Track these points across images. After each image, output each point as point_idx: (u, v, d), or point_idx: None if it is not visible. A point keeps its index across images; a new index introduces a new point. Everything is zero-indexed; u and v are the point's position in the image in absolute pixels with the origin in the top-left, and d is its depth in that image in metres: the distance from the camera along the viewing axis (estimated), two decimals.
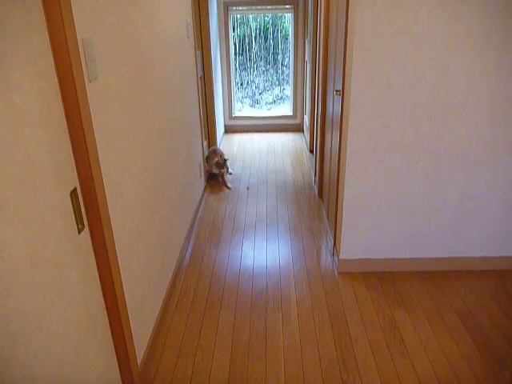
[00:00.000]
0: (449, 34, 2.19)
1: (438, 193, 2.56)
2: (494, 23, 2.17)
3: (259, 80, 6.95)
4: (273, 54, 6.69)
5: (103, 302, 1.59)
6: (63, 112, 1.29)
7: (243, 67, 6.81)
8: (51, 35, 1.21)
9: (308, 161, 4.92)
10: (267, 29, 6.52)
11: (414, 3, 2.13)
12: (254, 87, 7.01)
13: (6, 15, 1.02)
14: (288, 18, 6.27)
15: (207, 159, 4.29)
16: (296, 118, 6.20)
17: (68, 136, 1.32)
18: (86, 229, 1.45)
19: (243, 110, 6.90)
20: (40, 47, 1.17)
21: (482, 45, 2.21)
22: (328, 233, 3.23)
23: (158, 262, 2.32)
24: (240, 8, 5.66)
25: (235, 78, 6.33)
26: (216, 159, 4.23)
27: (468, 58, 2.24)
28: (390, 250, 2.71)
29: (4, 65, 1.01)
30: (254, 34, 6.55)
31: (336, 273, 2.76)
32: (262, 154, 5.22)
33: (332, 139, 3.07)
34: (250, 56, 6.73)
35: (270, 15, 6.36)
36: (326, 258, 2.95)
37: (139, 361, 1.94)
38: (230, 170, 4.43)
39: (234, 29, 6.15)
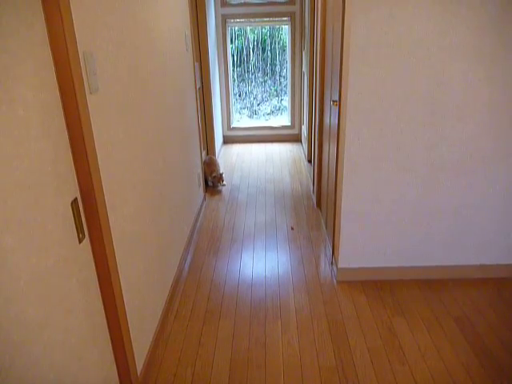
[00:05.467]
0: (443, 46, 2.24)
1: (434, 201, 2.58)
2: (487, 35, 2.21)
3: (257, 91, 7.01)
4: (270, 65, 6.76)
5: (103, 310, 1.60)
6: (64, 123, 1.32)
7: (241, 78, 6.87)
8: (53, 49, 1.24)
9: (306, 170, 4.95)
10: (265, 40, 6.60)
11: (409, 16, 2.18)
12: (252, 98, 7.06)
13: (10, 31, 1.05)
14: (285, 29, 6.34)
15: (204, 166, 4.47)
16: (294, 128, 6.24)
17: (69, 147, 1.34)
18: (87, 238, 1.46)
19: (241, 120, 6.95)
20: (42, 60, 1.19)
21: (476, 56, 2.25)
22: (326, 242, 3.25)
23: (158, 271, 2.33)
24: (238, 20, 5.74)
25: (233, 89, 6.39)
26: (214, 174, 4.47)
27: (462, 69, 2.28)
28: (388, 258, 2.73)
29: (7, 78, 1.04)
30: (251, 46, 6.62)
31: (335, 281, 2.77)
32: (261, 164, 5.26)
33: (330, 149, 3.10)
34: (248, 67, 6.80)
35: (267, 27, 6.44)
36: (324, 266, 2.96)
37: (139, 370, 1.94)
38: (224, 182, 4.65)
39: (231, 40, 6.22)
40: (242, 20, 5.75)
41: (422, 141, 2.44)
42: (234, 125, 6.35)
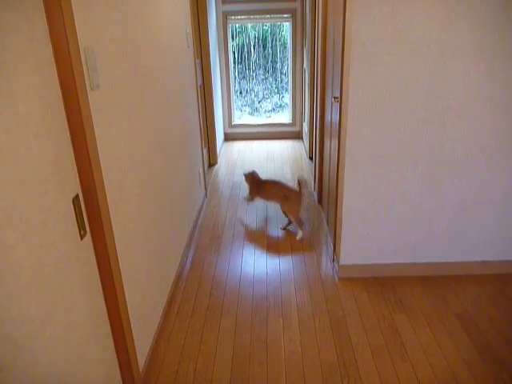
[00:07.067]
0: (444, 42, 2.23)
1: (436, 198, 2.57)
2: (488, 32, 2.20)
3: (258, 88, 7.00)
4: (271, 62, 6.75)
5: (105, 307, 1.60)
6: (66, 120, 1.31)
7: (242, 75, 6.86)
8: (54, 45, 1.24)
9: (307, 168, 4.95)
10: (266, 37, 6.59)
11: (410, 12, 2.17)
12: (253, 95, 7.05)
13: (11, 27, 1.05)
14: (286, 26, 6.33)
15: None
16: (295, 125, 6.23)
17: (70, 143, 1.34)
18: (88, 235, 1.46)
19: (243, 118, 6.94)
20: (43, 57, 1.19)
21: (477, 52, 2.25)
22: (328, 238, 3.25)
23: (159, 268, 2.33)
24: (239, 17, 5.72)
25: (234, 87, 6.38)
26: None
27: (463, 65, 2.27)
28: (390, 255, 2.73)
29: (8, 74, 1.04)
30: (252, 43, 6.61)
31: (336, 278, 2.77)
32: (262, 161, 5.25)
33: (331, 146, 3.09)
34: (249, 64, 6.79)
35: (268, 24, 6.43)
36: (326, 263, 2.96)
37: (141, 367, 1.94)
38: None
39: (232, 38, 6.21)
40: (243, 17, 5.74)
41: (423, 137, 2.43)
42: (235, 122, 6.34)
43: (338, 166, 2.71)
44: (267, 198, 3.46)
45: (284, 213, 3.46)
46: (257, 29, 6.52)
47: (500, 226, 2.64)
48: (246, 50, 6.64)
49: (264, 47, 6.64)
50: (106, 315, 1.62)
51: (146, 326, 2.07)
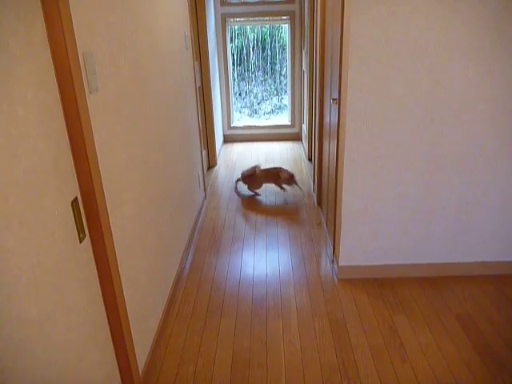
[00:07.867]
0: (443, 43, 2.23)
1: (435, 199, 2.58)
2: (487, 32, 2.21)
3: (257, 90, 7.00)
4: (270, 64, 6.75)
5: (104, 310, 1.61)
6: (64, 123, 1.32)
7: (241, 77, 6.87)
8: (53, 49, 1.24)
9: (307, 169, 4.95)
10: (265, 39, 6.59)
11: (408, 13, 2.18)
12: (252, 97, 7.05)
13: (10, 31, 1.05)
14: (285, 28, 6.33)
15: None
16: (294, 126, 6.24)
17: (69, 146, 1.34)
18: (87, 238, 1.46)
19: (242, 119, 6.95)
20: (42, 60, 1.20)
21: (476, 53, 2.25)
22: (327, 240, 3.25)
23: (159, 270, 2.33)
24: (237, 19, 5.73)
25: (233, 88, 6.38)
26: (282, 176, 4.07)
27: (462, 66, 2.28)
28: (389, 256, 2.73)
29: (7, 78, 1.04)
30: (251, 45, 6.62)
31: (336, 279, 2.77)
32: (261, 162, 5.25)
33: (330, 147, 3.10)
34: (248, 66, 6.79)
35: (267, 26, 6.43)
36: (325, 264, 2.96)
37: (140, 369, 1.94)
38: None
39: (231, 40, 6.22)
40: (242, 19, 5.75)
41: (422, 138, 2.44)
42: (234, 124, 6.34)
43: (337, 167, 2.71)
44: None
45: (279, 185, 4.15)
46: (256, 31, 6.52)
47: (499, 226, 2.64)
48: (244, 51, 6.65)
49: (263, 49, 6.65)
50: (106, 317, 1.62)
51: (146, 327, 2.07)
